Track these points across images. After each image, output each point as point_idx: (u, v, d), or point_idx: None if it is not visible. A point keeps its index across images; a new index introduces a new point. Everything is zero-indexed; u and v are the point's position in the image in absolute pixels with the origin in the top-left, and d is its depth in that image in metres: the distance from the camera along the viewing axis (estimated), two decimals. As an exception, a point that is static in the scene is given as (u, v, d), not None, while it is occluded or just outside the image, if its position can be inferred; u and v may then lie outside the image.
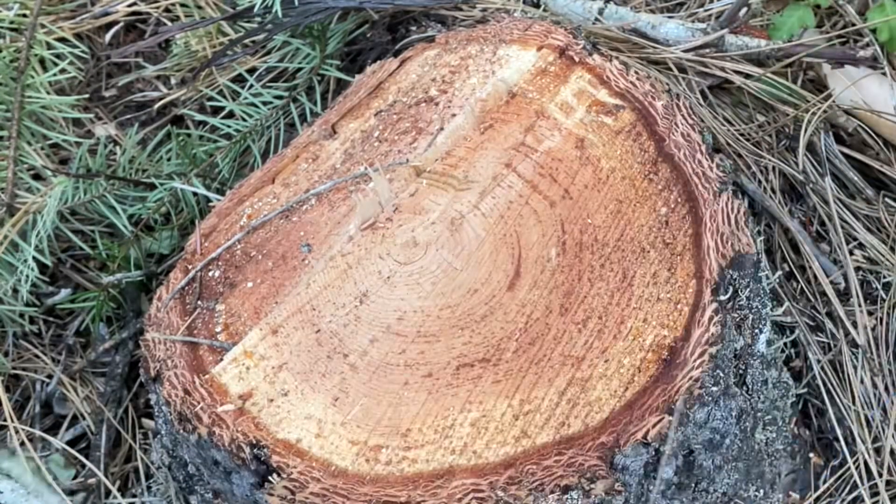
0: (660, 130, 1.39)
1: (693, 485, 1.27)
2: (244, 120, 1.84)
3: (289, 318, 1.28)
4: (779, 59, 1.80)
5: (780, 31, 1.80)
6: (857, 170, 1.77)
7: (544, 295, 1.25)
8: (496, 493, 1.12)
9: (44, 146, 1.81)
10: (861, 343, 1.61)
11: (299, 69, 1.90)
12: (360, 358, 1.23)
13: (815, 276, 1.68)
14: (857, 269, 1.68)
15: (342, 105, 1.55)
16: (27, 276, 1.64)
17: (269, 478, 1.17)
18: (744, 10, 1.81)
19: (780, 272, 1.69)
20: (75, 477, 1.64)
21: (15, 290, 1.66)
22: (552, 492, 1.13)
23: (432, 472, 1.15)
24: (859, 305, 1.64)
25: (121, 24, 2.13)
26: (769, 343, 1.42)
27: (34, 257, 1.64)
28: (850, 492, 1.53)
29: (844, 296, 1.67)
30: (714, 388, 1.20)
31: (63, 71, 1.77)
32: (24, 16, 1.85)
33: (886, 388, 1.58)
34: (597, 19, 1.87)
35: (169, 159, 1.82)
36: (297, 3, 1.74)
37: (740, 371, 1.31)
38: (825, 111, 1.75)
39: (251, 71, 1.95)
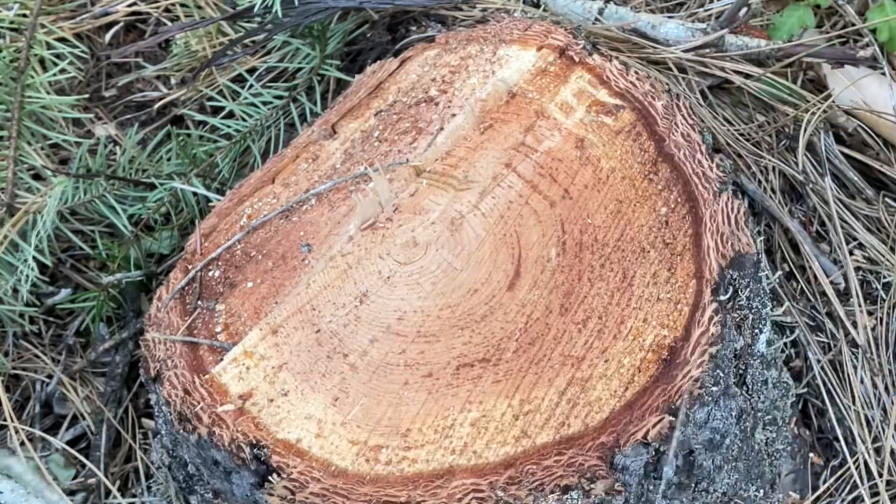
0: (660, 130, 1.39)
1: (693, 485, 1.27)
2: (244, 120, 1.84)
3: (289, 318, 1.28)
4: (779, 59, 1.80)
5: (780, 31, 1.80)
6: (857, 170, 1.77)
7: (544, 295, 1.25)
8: (496, 493, 1.12)
9: (44, 146, 1.81)
10: (861, 343, 1.61)
11: (299, 69, 1.90)
12: (360, 358, 1.23)
13: (815, 276, 1.68)
14: (857, 269, 1.68)
15: (342, 105, 1.55)
16: (27, 276, 1.64)
17: (269, 478, 1.17)
18: (744, 10, 1.81)
19: (780, 272, 1.69)
20: (75, 477, 1.64)
21: (15, 290, 1.66)
22: (552, 492, 1.13)
23: (432, 472, 1.15)
24: (859, 305, 1.64)
25: (121, 24, 2.13)
26: (769, 343, 1.42)
27: (34, 257, 1.64)
28: (850, 492, 1.53)
29: (844, 296, 1.67)
30: (714, 388, 1.20)
31: (63, 71, 1.77)
32: (24, 16, 1.85)
33: (886, 388, 1.58)
34: (597, 19, 1.87)
35: (169, 159, 1.82)
36: (297, 3, 1.74)
37: (740, 371, 1.31)
38: (825, 111, 1.75)
39: (251, 71, 1.95)
